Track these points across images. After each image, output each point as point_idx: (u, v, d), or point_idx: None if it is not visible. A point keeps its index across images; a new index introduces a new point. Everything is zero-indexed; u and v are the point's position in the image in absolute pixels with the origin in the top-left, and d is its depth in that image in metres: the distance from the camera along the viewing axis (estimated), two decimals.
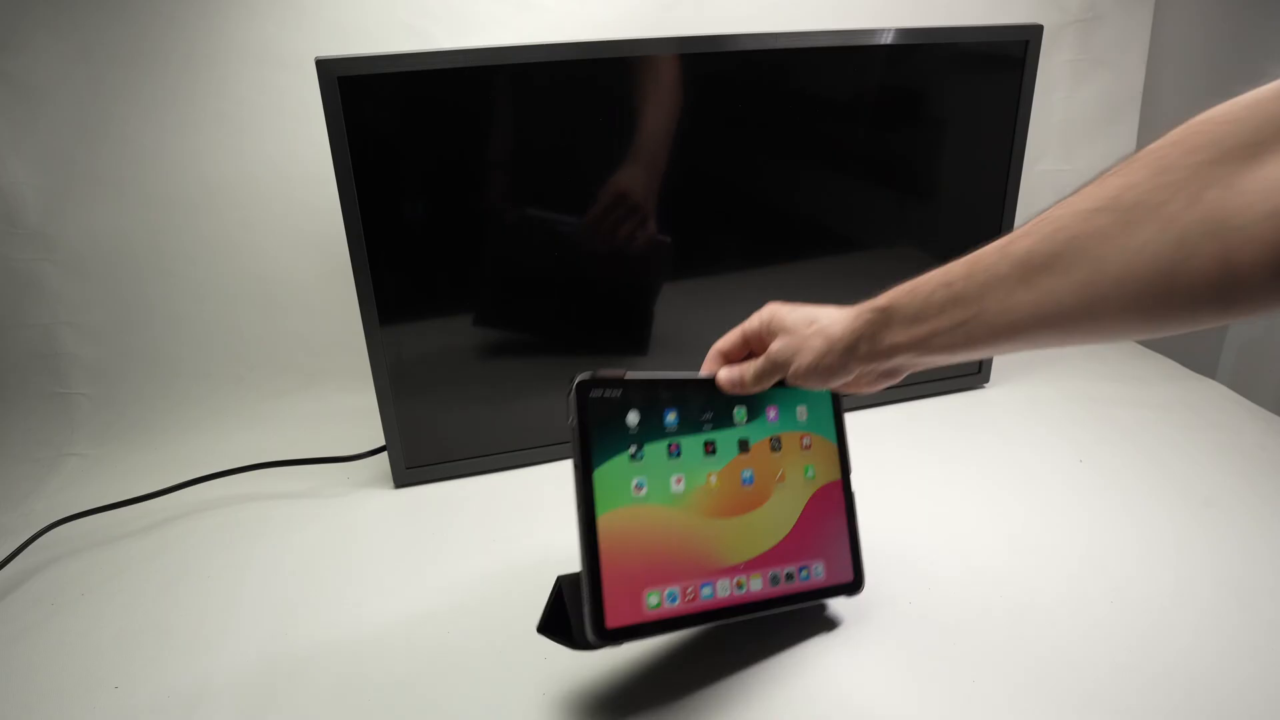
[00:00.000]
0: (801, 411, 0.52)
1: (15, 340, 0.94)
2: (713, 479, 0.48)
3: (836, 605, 0.57)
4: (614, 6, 0.93)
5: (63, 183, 0.90)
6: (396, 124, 0.67)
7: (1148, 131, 1.08)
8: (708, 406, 0.49)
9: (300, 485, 0.79)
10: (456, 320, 0.75)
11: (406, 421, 0.76)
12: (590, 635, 0.41)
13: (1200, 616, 0.56)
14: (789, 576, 0.48)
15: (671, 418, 0.47)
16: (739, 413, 0.50)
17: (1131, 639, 0.54)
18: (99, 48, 0.86)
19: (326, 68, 0.63)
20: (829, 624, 0.56)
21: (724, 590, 0.46)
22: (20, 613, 0.62)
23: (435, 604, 0.61)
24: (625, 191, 0.73)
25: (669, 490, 0.46)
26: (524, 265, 0.74)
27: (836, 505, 0.52)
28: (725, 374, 0.50)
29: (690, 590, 0.45)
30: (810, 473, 0.51)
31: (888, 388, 0.49)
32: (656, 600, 0.44)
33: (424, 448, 0.77)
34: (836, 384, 0.47)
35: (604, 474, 0.44)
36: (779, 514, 0.49)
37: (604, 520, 0.43)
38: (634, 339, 0.80)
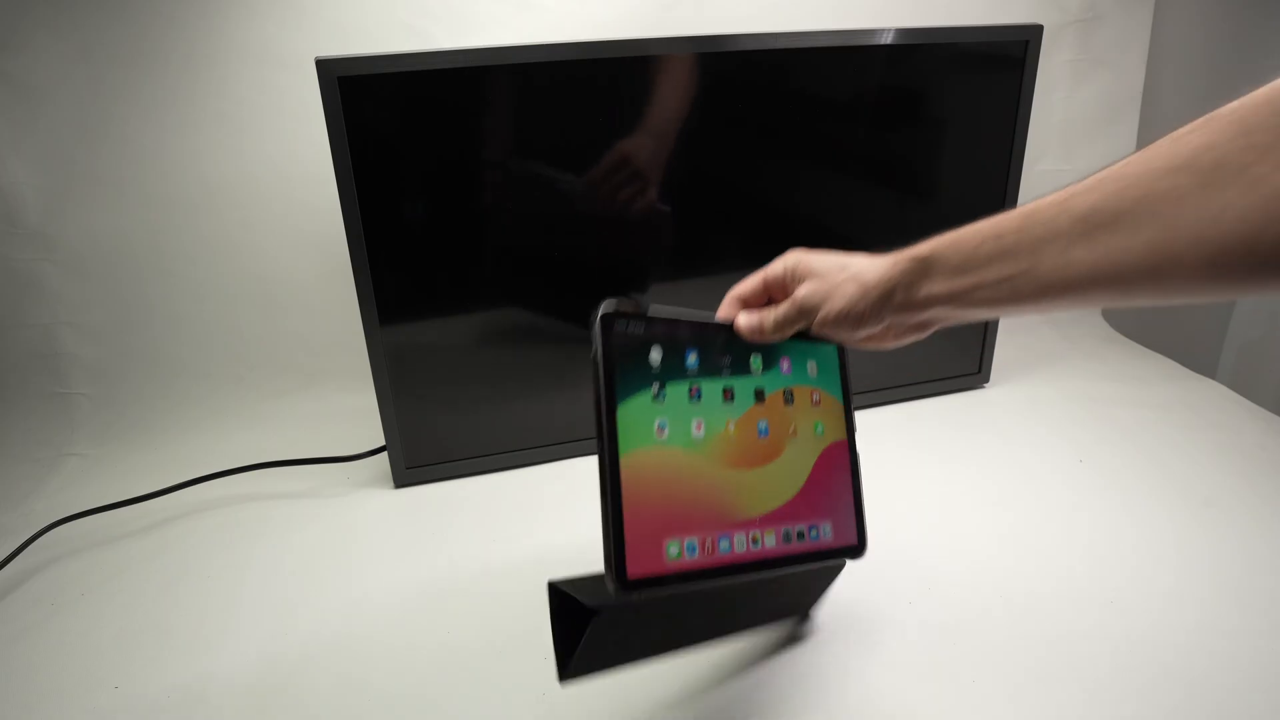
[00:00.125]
0: (812, 367, 0.50)
1: (15, 340, 0.94)
2: (731, 427, 0.45)
3: (837, 605, 0.57)
4: (614, 6, 0.93)
5: (63, 183, 0.90)
6: (396, 124, 0.67)
7: (1148, 131, 1.08)
8: (726, 351, 0.47)
9: (300, 485, 0.79)
10: (456, 320, 0.75)
11: (406, 421, 0.76)
12: (611, 586, 0.39)
13: (1200, 616, 0.56)
14: (800, 535, 0.46)
15: (692, 359, 0.45)
16: (755, 361, 0.48)
17: (1131, 639, 0.54)
18: (99, 48, 0.86)
19: (326, 68, 0.63)
20: (828, 623, 0.56)
21: (740, 545, 0.44)
22: (20, 613, 0.62)
23: (435, 604, 0.61)
24: (629, 156, 0.72)
25: (690, 435, 0.44)
26: (522, 221, 0.73)
27: (843, 465, 0.50)
28: (745, 319, 0.47)
29: (709, 543, 0.42)
30: (820, 429, 0.49)
31: (913, 341, 0.48)
32: (677, 551, 0.41)
33: (424, 448, 0.77)
34: (864, 334, 0.46)
35: (627, 412, 0.42)
36: (791, 470, 0.47)
37: (627, 461, 0.41)
38: None
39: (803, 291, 0.46)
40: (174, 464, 0.81)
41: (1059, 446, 0.79)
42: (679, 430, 0.43)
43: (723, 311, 0.49)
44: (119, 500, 0.73)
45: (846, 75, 0.77)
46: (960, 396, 0.92)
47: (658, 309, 0.44)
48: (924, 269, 0.41)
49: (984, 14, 1.00)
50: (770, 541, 0.45)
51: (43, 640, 0.59)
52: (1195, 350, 0.98)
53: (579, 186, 0.72)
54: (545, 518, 0.72)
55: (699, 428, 0.44)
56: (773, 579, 0.47)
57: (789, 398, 0.48)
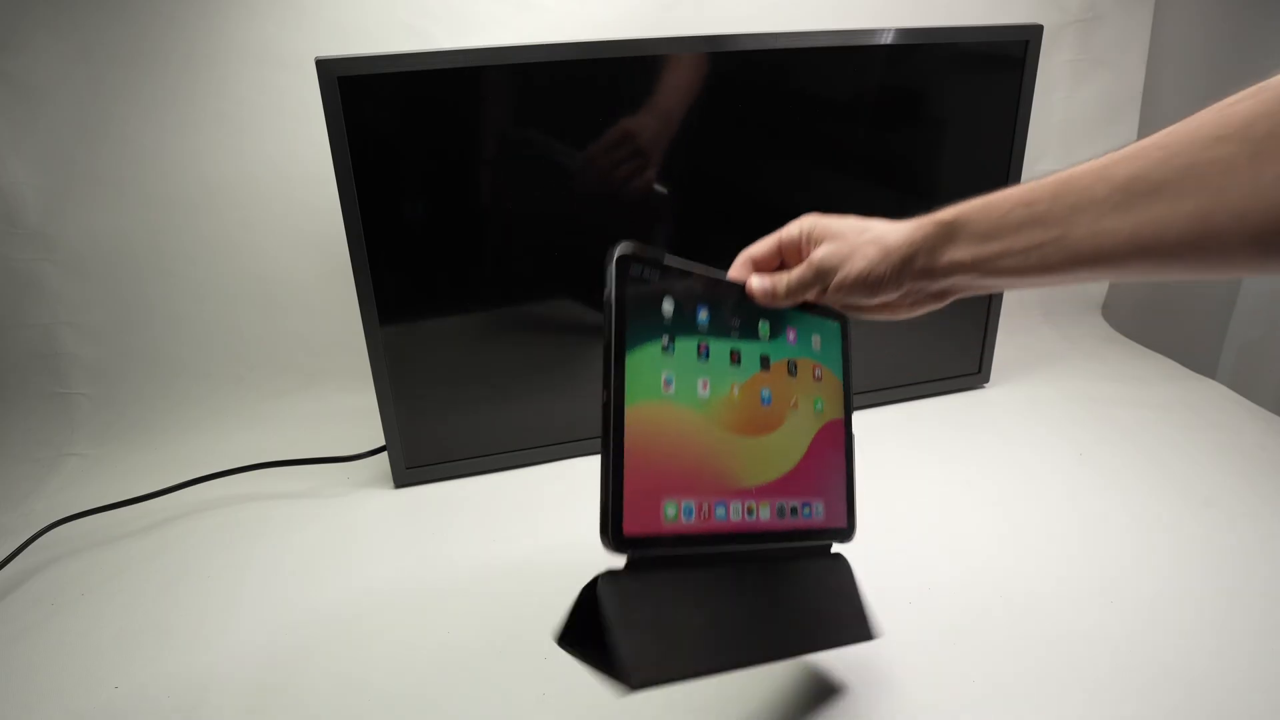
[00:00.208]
0: (816, 341, 0.49)
1: (15, 340, 0.94)
2: (735, 390, 0.44)
3: None
4: (614, 6, 0.93)
5: (63, 183, 0.90)
6: (396, 124, 0.67)
7: (1147, 131, 1.07)
8: (735, 313, 0.45)
9: (300, 485, 0.79)
10: (456, 320, 0.75)
11: (406, 421, 0.76)
12: (608, 540, 0.38)
13: (1200, 616, 0.56)
14: (793, 511, 0.45)
15: (703, 316, 0.43)
16: (763, 327, 0.46)
17: (1131, 639, 0.54)
18: (99, 48, 0.86)
19: (326, 68, 0.63)
20: None
21: (735, 513, 0.42)
22: (20, 613, 0.62)
23: (435, 604, 0.61)
24: (631, 133, 0.72)
25: (695, 393, 0.42)
26: (520, 192, 0.73)
27: (838, 445, 0.49)
28: (758, 281, 0.45)
29: (705, 508, 0.41)
30: (819, 405, 0.48)
31: (928, 312, 0.46)
32: (674, 512, 0.40)
33: (424, 448, 0.77)
34: (880, 300, 0.44)
35: (636, 361, 0.40)
36: (790, 442, 0.46)
37: (632, 412, 0.39)
38: None
39: (820, 253, 0.44)
40: (174, 464, 0.81)
41: (1059, 446, 0.79)
42: (685, 387, 0.42)
43: (734, 272, 0.47)
44: (119, 500, 0.73)
45: (846, 75, 0.77)
46: (960, 396, 0.92)
47: (672, 259, 0.43)
48: (949, 233, 0.40)
49: (984, 14, 1.00)
50: (765, 514, 0.44)
51: (43, 640, 0.59)
52: (1195, 350, 0.98)
53: (578, 160, 0.72)
54: (545, 518, 0.72)
55: (704, 387, 0.43)
56: (787, 598, 0.46)
57: (793, 369, 0.47)
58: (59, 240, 0.92)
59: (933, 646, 0.54)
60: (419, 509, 0.75)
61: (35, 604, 0.63)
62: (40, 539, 0.69)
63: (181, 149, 0.91)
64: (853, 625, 0.49)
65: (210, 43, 0.88)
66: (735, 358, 0.44)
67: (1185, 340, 1.00)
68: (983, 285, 0.41)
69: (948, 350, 0.91)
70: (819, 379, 0.48)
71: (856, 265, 0.43)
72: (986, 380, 0.94)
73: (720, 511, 0.42)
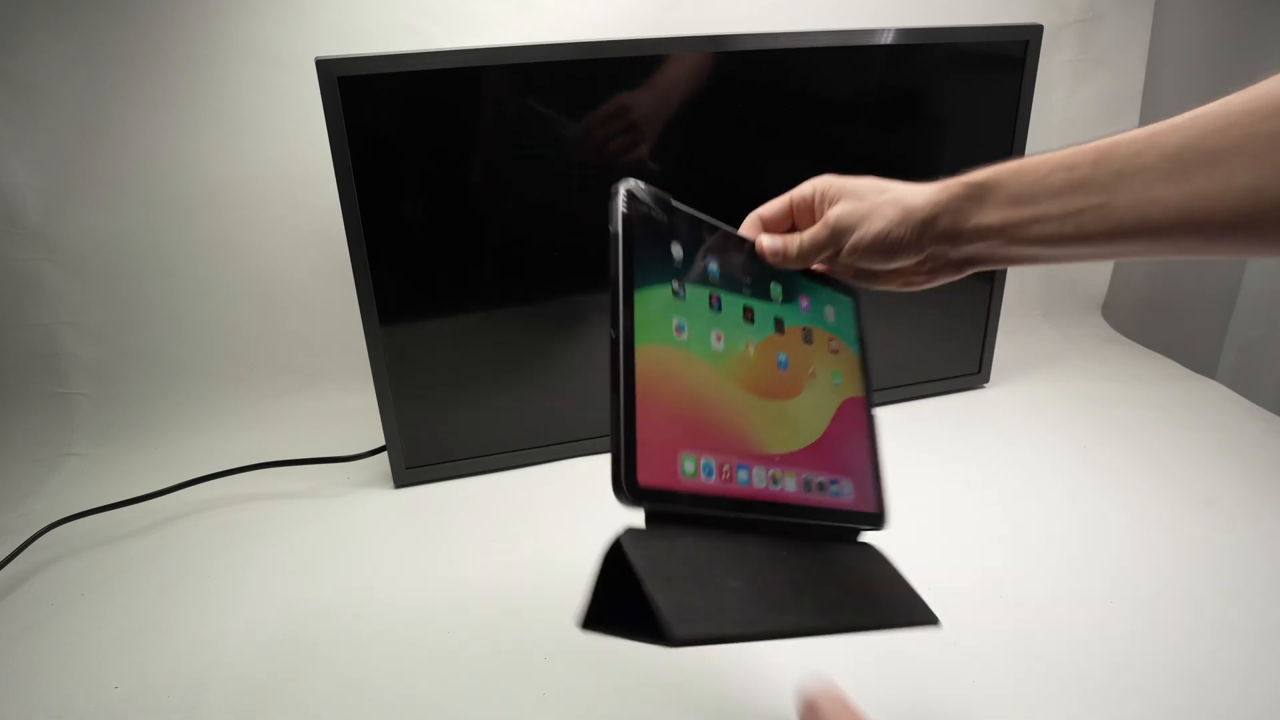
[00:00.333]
0: (830, 313, 0.46)
1: (15, 340, 0.94)
2: (750, 349, 0.41)
3: None
4: (614, 6, 0.93)
5: (63, 183, 0.90)
6: (396, 124, 0.67)
7: None
8: (746, 271, 0.42)
9: (300, 485, 0.79)
10: (456, 320, 0.75)
11: (406, 421, 0.76)
12: (622, 491, 0.34)
13: (1200, 616, 0.56)
14: (820, 487, 0.41)
15: (713, 266, 0.41)
16: (775, 289, 0.43)
17: (1131, 639, 0.54)
18: (99, 48, 0.86)
19: (326, 68, 0.63)
20: None
21: (759, 480, 0.39)
22: (20, 613, 0.62)
23: (435, 604, 0.61)
24: (627, 106, 0.71)
25: (709, 344, 0.39)
26: (520, 192, 0.73)
27: (860, 424, 0.46)
28: (769, 241, 0.43)
29: (727, 469, 0.37)
30: (838, 379, 0.45)
31: (946, 282, 0.44)
32: (692, 468, 0.36)
33: (424, 448, 0.77)
34: (897, 265, 0.41)
35: (646, 300, 0.37)
36: (811, 413, 0.43)
37: (643, 353, 0.36)
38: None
39: (836, 211, 0.41)
40: (174, 464, 0.81)
41: (1059, 446, 0.79)
42: (699, 336, 0.38)
43: (743, 231, 0.45)
44: (119, 500, 0.73)
45: (846, 75, 0.77)
46: (960, 396, 0.92)
47: (679, 204, 0.41)
48: (978, 195, 0.38)
49: (984, 14, 1.00)
50: (791, 485, 0.40)
51: (43, 640, 0.59)
52: (1195, 350, 0.98)
53: (575, 131, 0.71)
54: (545, 518, 0.72)
55: (718, 340, 0.39)
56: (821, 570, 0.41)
57: (808, 337, 0.44)
58: (59, 240, 0.92)
59: (933, 646, 0.54)
60: (419, 509, 0.75)
61: (35, 604, 0.63)
62: (40, 539, 0.69)
63: (181, 149, 0.91)
64: (910, 607, 0.45)
65: (210, 43, 0.88)
66: (749, 315, 0.42)
67: (1185, 340, 1.00)
68: (1007, 255, 0.38)
69: (948, 350, 0.91)
70: (835, 352, 0.45)
71: (874, 226, 0.40)
72: (986, 380, 0.94)
73: (743, 475, 0.38)
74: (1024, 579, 0.61)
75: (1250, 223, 0.30)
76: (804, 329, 0.44)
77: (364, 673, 0.55)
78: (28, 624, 0.61)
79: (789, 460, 0.40)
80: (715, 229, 0.42)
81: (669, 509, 0.35)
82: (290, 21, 0.88)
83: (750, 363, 0.41)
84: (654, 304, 0.37)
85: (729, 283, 0.41)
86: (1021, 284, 1.09)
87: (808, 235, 0.42)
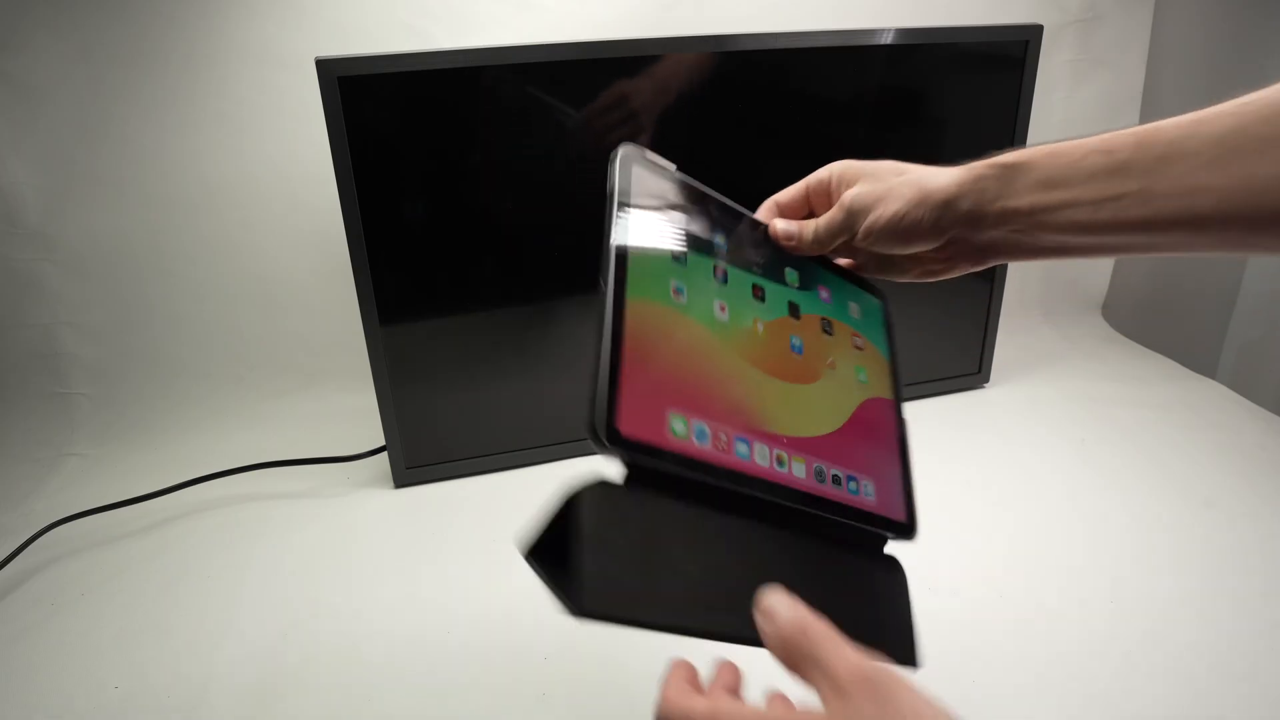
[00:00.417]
0: (854, 309, 0.43)
1: (15, 340, 0.94)
2: (760, 326, 0.38)
3: None
4: (614, 6, 0.93)
5: (63, 183, 0.90)
6: (396, 124, 0.67)
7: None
8: (759, 253, 0.40)
9: (300, 485, 0.79)
10: (456, 320, 0.75)
11: (406, 421, 0.76)
12: (597, 435, 0.32)
13: (1200, 616, 0.56)
14: (835, 480, 0.38)
15: (720, 240, 0.39)
16: (790, 274, 0.41)
17: (1131, 639, 0.54)
18: (99, 48, 0.86)
19: (326, 68, 0.63)
20: None
21: (762, 457, 0.35)
22: (20, 613, 0.62)
23: (435, 604, 0.61)
24: (627, 95, 0.71)
25: (712, 312, 0.36)
26: (520, 192, 0.73)
27: (888, 427, 0.42)
28: (783, 224, 0.41)
29: (724, 438, 0.34)
30: (862, 375, 0.41)
31: (966, 273, 0.41)
32: (683, 429, 0.33)
33: (424, 448, 0.77)
34: (915, 250, 0.39)
35: (641, 259, 0.34)
36: (828, 402, 0.39)
37: (635, 306, 0.33)
38: None
39: (852, 192, 0.40)
40: (174, 464, 0.81)
41: (1059, 446, 0.79)
42: (700, 302, 0.36)
43: (759, 217, 0.43)
44: (119, 500, 0.73)
45: (846, 75, 0.77)
46: (960, 396, 0.92)
47: (686, 175, 0.39)
48: (1006, 176, 0.36)
49: (984, 14, 1.00)
50: (799, 472, 0.36)
51: (43, 640, 0.59)
52: (1195, 350, 0.98)
53: (576, 120, 0.71)
54: None
55: (722, 309, 0.37)
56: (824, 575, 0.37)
57: (828, 327, 0.41)
58: (59, 240, 0.92)
59: (933, 646, 0.54)
60: (419, 509, 0.75)
61: (35, 604, 0.63)
62: (40, 539, 0.69)
63: (181, 149, 0.91)
64: (895, 642, 0.40)
65: (210, 43, 0.88)
66: (758, 293, 0.39)
67: (1185, 340, 1.00)
68: (1034, 244, 0.36)
69: (948, 350, 0.91)
70: (860, 349, 0.42)
71: (891, 207, 0.38)
72: (986, 380, 0.94)
73: (742, 448, 0.35)
74: (1024, 579, 0.61)
75: None
76: (823, 319, 0.41)
77: (364, 672, 0.55)
78: (28, 624, 0.61)
79: (799, 445, 0.37)
80: (725, 206, 0.40)
81: (654, 465, 0.32)
82: (290, 21, 0.88)
83: (759, 339, 0.38)
84: (650, 263, 0.35)
85: (737, 259, 0.39)
86: (1021, 284, 1.09)
87: (823, 219, 0.41)
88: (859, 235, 0.39)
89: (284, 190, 0.94)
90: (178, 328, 0.97)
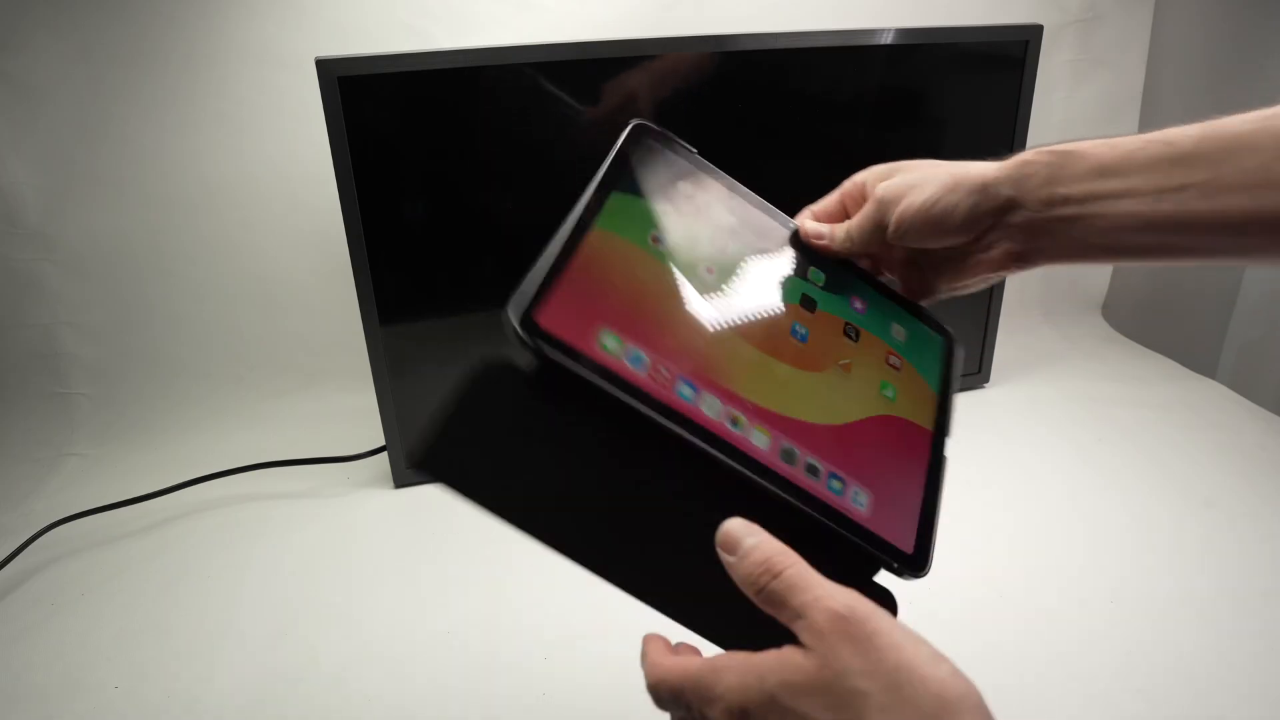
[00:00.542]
0: (899, 331, 0.40)
1: (15, 340, 0.94)
2: (755, 304, 0.36)
3: None
4: (614, 6, 0.93)
5: (63, 183, 0.90)
6: (396, 124, 0.67)
7: (1148, 131, 1.08)
8: (787, 251, 0.39)
9: (300, 485, 0.79)
10: (456, 320, 0.75)
11: (406, 422, 0.76)
12: (511, 317, 0.30)
13: (1200, 616, 0.56)
14: (811, 470, 0.33)
15: (729, 218, 0.37)
16: (815, 272, 0.39)
17: (1132, 639, 0.54)
18: (99, 48, 0.86)
19: (326, 68, 0.63)
20: None
21: (711, 409, 0.31)
22: (20, 613, 0.62)
23: (435, 604, 0.61)
24: (635, 96, 0.71)
25: (695, 267, 0.34)
26: (520, 192, 0.73)
27: (914, 454, 0.38)
28: (812, 223, 0.39)
29: (665, 373, 0.31)
30: (889, 392, 0.38)
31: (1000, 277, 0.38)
32: (615, 346, 0.31)
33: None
34: (951, 242, 0.36)
35: (622, 202, 0.34)
36: (828, 396, 0.35)
37: (600, 234, 0.33)
38: None
39: (884, 184, 0.37)
40: (174, 464, 0.80)
41: (1059, 446, 0.79)
42: (681, 257, 0.34)
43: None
44: (119, 500, 0.73)
45: (846, 75, 0.77)
46: (960, 396, 0.91)
47: (707, 161, 0.37)
48: (1057, 163, 0.33)
49: (984, 14, 1.00)
50: (760, 441, 0.32)
51: (43, 640, 0.59)
52: (1195, 350, 0.98)
53: (582, 118, 0.71)
54: None
55: (709, 271, 0.35)
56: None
57: (852, 333, 0.38)
58: (59, 240, 0.92)
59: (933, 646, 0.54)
60: (419, 509, 0.75)
61: (35, 604, 0.63)
62: (40, 539, 0.69)
63: (181, 149, 0.91)
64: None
65: (210, 43, 0.88)
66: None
67: (1185, 340, 1.00)
68: (1083, 239, 0.33)
69: None
70: (895, 367, 0.39)
71: (923, 193, 0.36)
72: (986, 380, 0.94)
73: (686, 391, 0.31)
74: (1024, 579, 0.61)
75: None
76: (848, 323, 0.38)
77: (364, 673, 0.55)
78: (28, 624, 0.61)
79: (769, 416, 0.33)
80: (750, 198, 0.39)
81: (569, 367, 0.30)
82: (290, 21, 0.88)
83: (750, 312, 0.35)
84: (631, 207, 0.34)
85: (748, 239, 0.37)
86: (1021, 284, 1.09)
87: (855, 218, 0.38)
88: (890, 228, 0.36)
89: (284, 190, 0.94)
90: (178, 328, 0.97)
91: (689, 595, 0.32)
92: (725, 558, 0.28)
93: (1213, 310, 0.99)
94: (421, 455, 0.31)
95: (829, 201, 0.41)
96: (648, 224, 0.35)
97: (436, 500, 0.76)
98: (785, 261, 0.39)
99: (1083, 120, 1.08)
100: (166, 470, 0.78)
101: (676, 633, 0.32)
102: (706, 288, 0.35)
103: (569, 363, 0.30)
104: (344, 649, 0.57)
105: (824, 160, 0.81)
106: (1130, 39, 1.05)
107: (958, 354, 0.42)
